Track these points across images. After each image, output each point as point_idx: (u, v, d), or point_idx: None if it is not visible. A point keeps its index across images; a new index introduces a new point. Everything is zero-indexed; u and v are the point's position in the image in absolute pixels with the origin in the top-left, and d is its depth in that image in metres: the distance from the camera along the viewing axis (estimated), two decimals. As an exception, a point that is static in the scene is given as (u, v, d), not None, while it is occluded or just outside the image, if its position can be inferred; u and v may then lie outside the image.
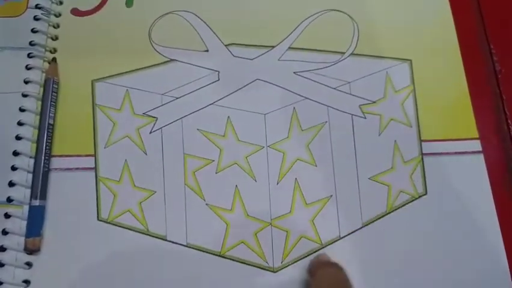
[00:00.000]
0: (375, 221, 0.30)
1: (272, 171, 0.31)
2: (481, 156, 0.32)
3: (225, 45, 0.34)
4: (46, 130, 0.31)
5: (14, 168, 0.31)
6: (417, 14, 0.35)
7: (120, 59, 0.34)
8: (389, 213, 0.31)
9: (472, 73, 0.34)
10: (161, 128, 0.32)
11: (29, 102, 0.32)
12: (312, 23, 0.35)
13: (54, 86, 0.32)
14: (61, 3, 0.35)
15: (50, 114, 0.32)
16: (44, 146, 0.31)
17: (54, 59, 0.33)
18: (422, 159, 0.32)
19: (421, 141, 0.32)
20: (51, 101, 0.32)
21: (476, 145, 0.32)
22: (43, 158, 0.30)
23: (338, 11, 0.35)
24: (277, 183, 0.31)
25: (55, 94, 0.32)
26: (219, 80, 0.33)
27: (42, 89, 0.32)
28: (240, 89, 0.33)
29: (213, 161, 0.31)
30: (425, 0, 0.35)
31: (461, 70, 0.34)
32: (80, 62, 0.34)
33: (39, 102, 0.32)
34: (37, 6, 0.35)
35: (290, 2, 0.35)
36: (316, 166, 0.31)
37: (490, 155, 0.32)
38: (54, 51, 0.34)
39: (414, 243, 0.30)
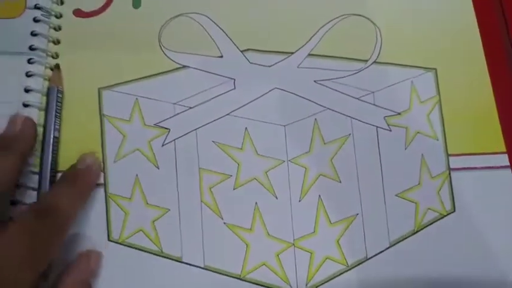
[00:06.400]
0: (402, 240, 0.29)
1: (294, 188, 0.29)
2: (509, 171, 0.30)
3: (241, 51, 0.32)
4: (51, 144, 0.29)
5: (17, 186, 0.28)
6: (442, 22, 0.33)
7: (128, 65, 0.32)
8: (417, 231, 0.29)
9: (498, 83, 0.32)
10: (174, 140, 0.30)
11: (31, 113, 0.30)
12: (332, 28, 0.33)
13: (58, 95, 0.30)
14: (62, 3, 0.33)
15: (56, 126, 0.29)
16: (50, 161, 0.28)
17: (57, 66, 0.31)
18: (450, 174, 0.30)
19: (448, 155, 0.31)
20: (56, 112, 0.29)
21: (504, 159, 0.31)
22: (49, 174, 0.28)
23: (359, 15, 0.33)
24: (300, 200, 0.29)
25: (60, 104, 0.30)
26: (234, 88, 0.31)
27: (45, 99, 0.30)
28: (257, 98, 0.31)
29: (231, 176, 0.30)
30: (450, 7, 0.34)
31: (487, 79, 0.32)
32: (85, 68, 0.31)
33: (42, 113, 0.30)
34: (36, 7, 0.32)
35: (309, 6, 0.33)
36: (340, 182, 0.30)
37: (518, 169, 0.31)
38: (56, 56, 0.31)
39: (443, 263, 0.29)
